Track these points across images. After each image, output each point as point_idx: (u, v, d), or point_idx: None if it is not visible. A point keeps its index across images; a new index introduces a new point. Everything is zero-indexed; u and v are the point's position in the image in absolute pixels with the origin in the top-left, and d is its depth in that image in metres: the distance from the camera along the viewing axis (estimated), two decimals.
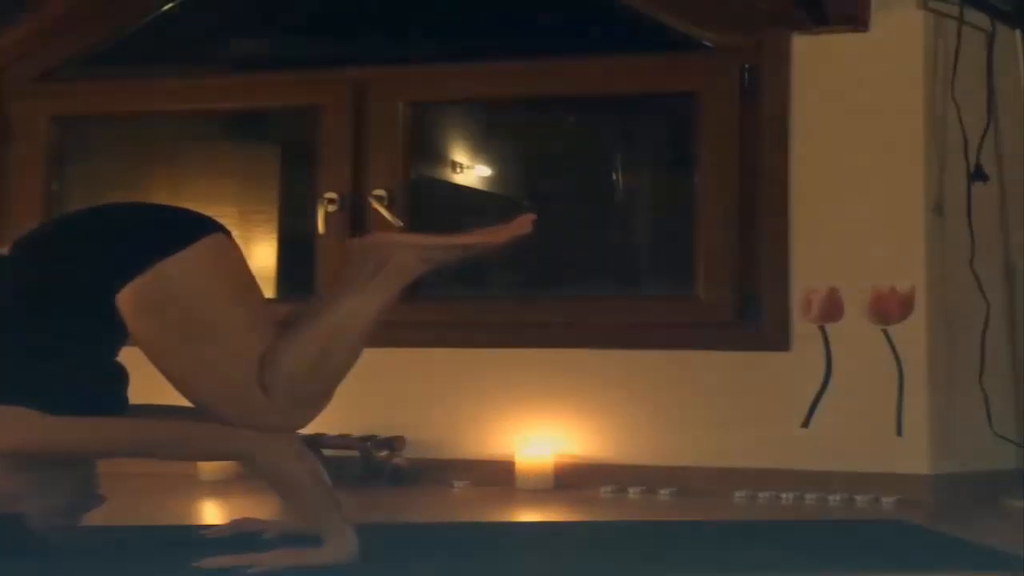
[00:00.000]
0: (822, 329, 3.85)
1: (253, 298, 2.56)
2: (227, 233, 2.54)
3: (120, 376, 2.55)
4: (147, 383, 2.57)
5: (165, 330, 2.44)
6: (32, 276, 2.47)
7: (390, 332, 4.19)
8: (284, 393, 2.46)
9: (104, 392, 2.49)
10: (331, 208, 4.23)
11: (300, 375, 2.47)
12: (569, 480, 3.97)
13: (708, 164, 4.04)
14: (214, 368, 2.45)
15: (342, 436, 4.07)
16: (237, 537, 2.72)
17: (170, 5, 4.44)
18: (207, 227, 2.50)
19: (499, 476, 3.99)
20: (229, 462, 3.93)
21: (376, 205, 4.19)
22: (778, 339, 3.91)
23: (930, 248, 3.84)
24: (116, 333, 2.49)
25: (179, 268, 2.43)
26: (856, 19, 3.88)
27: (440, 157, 4.47)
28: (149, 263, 2.41)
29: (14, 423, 2.38)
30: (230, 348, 2.45)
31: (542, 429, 4.03)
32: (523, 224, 2.58)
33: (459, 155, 4.45)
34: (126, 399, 2.56)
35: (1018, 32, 3.84)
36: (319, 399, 2.55)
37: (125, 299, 2.41)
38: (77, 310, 2.44)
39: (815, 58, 3.94)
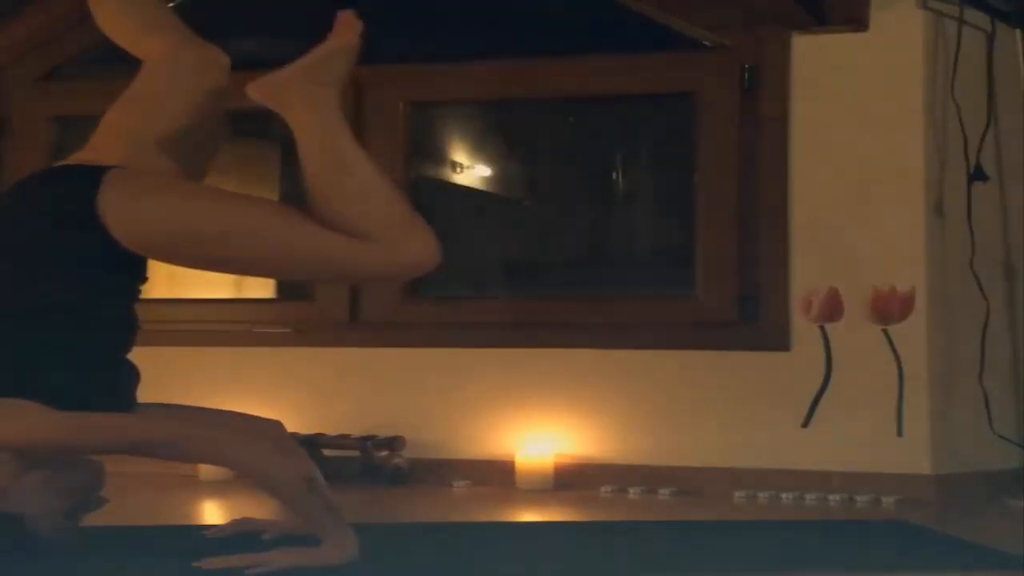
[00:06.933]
0: (822, 329, 3.85)
1: None
2: None
3: (128, 374, 2.56)
4: (155, 384, 2.59)
5: (158, 197, 2.48)
6: (17, 259, 2.47)
7: (390, 332, 4.25)
8: (377, 226, 2.43)
9: (112, 390, 2.50)
10: None
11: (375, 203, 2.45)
12: (569, 480, 3.97)
13: (708, 164, 4.04)
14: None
15: (342, 436, 4.07)
16: (237, 537, 2.72)
17: (170, 5, 4.43)
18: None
19: (499, 476, 3.99)
20: None
21: None
22: (778, 339, 3.92)
23: (930, 248, 3.85)
24: (118, 274, 2.50)
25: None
26: (856, 19, 3.88)
27: (440, 157, 4.47)
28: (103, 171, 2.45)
29: (19, 416, 2.38)
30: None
31: (542, 429, 4.03)
32: (348, 22, 2.57)
33: (459, 155, 4.45)
34: (134, 397, 2.56)
35: (1018, 32, 3.85)
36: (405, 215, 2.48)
37: (107, 202, 2.41)
38: (75, 261, 2.44)
39: (815, 58, 3.94)
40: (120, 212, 2.41)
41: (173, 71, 2.72)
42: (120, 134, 2.64)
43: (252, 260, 2.51)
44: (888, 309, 3.80)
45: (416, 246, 2.44)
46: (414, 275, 2.52)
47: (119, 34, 2.79)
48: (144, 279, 2.57)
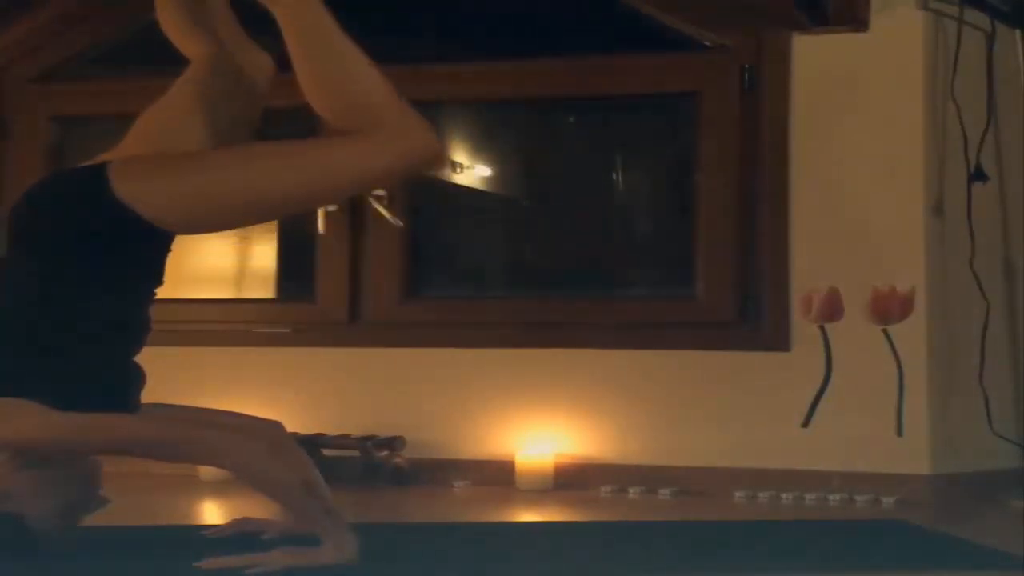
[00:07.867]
0: (822, 329, 3.84)
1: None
2: None
3: (133, 376, 2.55)
4: (156, 384, 2.59)
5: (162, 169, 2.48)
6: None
7: (390, 332, 4.24)
8: (373, 120, 2.48)
9: (113, 391, 2.49)
10: (331, 208, 4.22)
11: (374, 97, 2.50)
12: (569, 480, 3.97)
13: (708, 164, 4.04)
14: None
15: (342, 436, 4.07)
16: (237, 537, 2.72)
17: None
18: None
19: (499, 476, 3.99)
20: None
21: (376, 205, 4.19)
22: (778, 339, 3.92)
23: (930, 248, 3.85)
24: (134, 274, 2.51)
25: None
26: (856, 19, 3.88)
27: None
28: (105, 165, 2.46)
29: (19, 416, 2.38)
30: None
31: (542, 429, 4.03)
32: None
33: (459, 155, 4.45)
34: (137, 399, 2.56)
35: (1018, 32, 3.84)
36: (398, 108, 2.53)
37: (117, 176, 2.43)
38: (89, 261, 2.44)
39: (815, 58, 3.95)
40: (139, 190, 2.43)
41: (213, 74, 2.71)
42: (151, 134, 2.64)
43: (272, 196, 2.50)
44: (888, 309, 3.79)
45: (418, 131, 2.50)
46: (423, 162, 2.56)
47: (170, 30, 2.81)
48: (160, 282, 2.57)
